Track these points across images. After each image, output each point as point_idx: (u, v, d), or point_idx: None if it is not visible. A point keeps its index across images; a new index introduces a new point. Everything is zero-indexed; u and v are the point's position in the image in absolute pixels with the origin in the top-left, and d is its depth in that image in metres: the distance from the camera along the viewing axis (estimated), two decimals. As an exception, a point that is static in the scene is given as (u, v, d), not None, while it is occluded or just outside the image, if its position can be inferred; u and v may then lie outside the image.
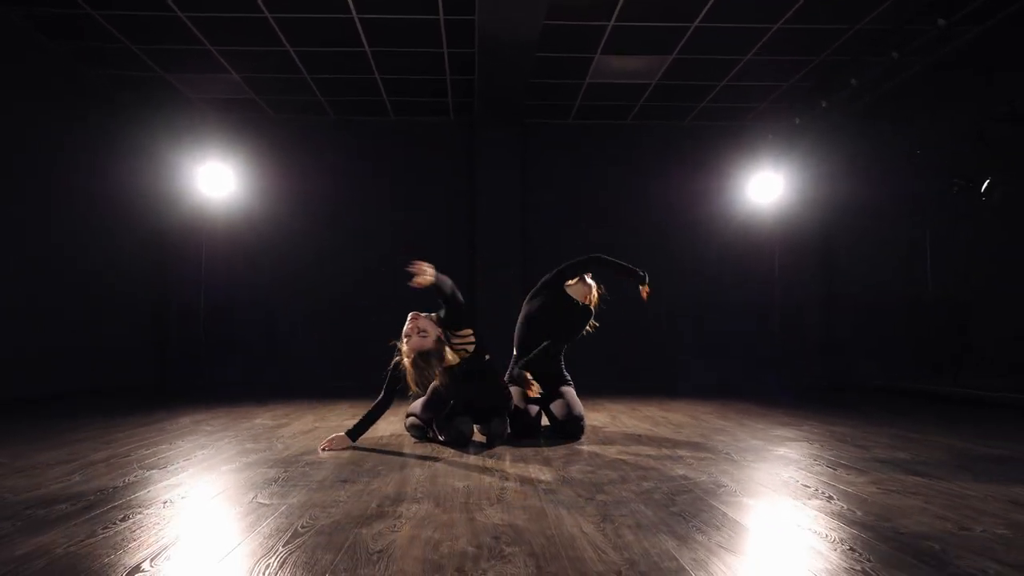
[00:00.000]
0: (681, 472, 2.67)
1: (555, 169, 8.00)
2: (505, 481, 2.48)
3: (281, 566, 1.55)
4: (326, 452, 3.13)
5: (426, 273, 3.18)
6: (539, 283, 3.99)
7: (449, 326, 3.35)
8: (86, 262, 6.39)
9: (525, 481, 2.49)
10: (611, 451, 3.19)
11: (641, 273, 3.90)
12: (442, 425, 3.40)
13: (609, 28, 5.67)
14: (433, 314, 3.38)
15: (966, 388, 5.64)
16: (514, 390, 3.79)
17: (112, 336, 6.78)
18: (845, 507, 2.10)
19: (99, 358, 6.53)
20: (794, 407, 5.25)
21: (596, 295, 3.97)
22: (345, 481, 2.47)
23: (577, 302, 3.94)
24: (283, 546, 1.69)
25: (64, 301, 6.06)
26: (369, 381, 3.67)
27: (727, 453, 3.12)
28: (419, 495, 2.25)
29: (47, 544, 1.70)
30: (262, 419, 4.40)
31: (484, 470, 2.70)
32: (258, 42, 5.91)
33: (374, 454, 3.08)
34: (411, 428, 3.58)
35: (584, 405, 3.91)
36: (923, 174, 6.11)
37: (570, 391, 3.86)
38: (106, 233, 6.67)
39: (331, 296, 7.66)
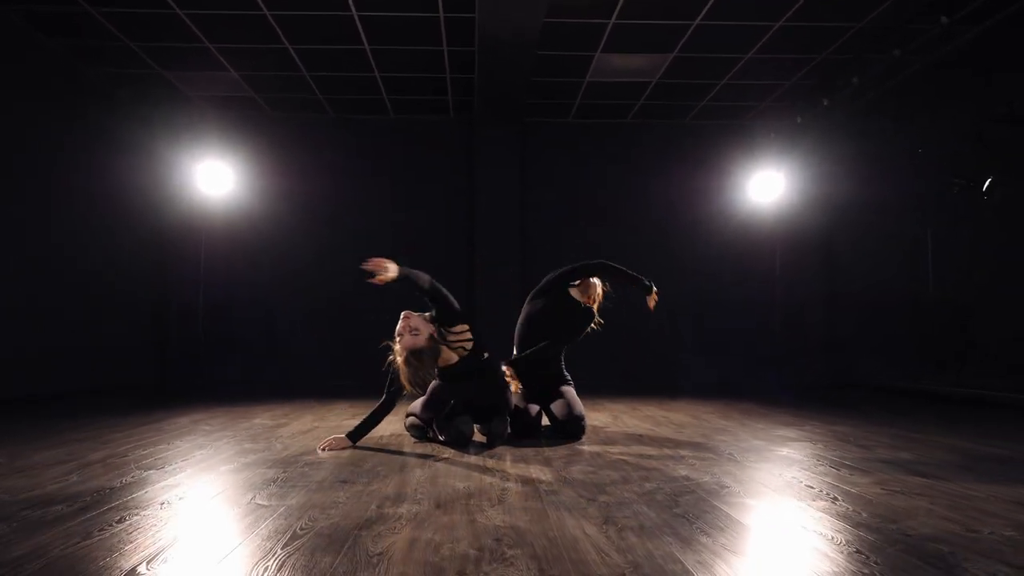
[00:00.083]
0: (683, 473, 2.65)
1: (555, 168, 7.98)
2: (506, 482, 2.46)
3: (280, 569, 1.53)
4: (325, 452, 3.11)
5: (387, 269, 3.15)
6: (542, 282, 3.94)
7: (443, 323, 3.32)
8: (86, 262, 6.36)
9: (526, 482, 2.47)
10: (613, 451, 3.17)
11: (647, 282, 3.85)
12: (442, 425, 3.38)
13: (610, 26, 5.65)
14: (427, 313, 3.35)
15: (967, 388, 5.62)
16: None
17: (112, 336, 6.76)
18: (850, 508, 2.08)
19: (99, 358, 6.50)
20: (796, 407, 5.23)
21: (600, 294, 3.94)
22: (344, 482, 2.45)
23: (579, 303, 3.90)
24: (282, 548, 1.67)
25: (64, 301, 6.04)
26: (368, 380, 3.65)
27: (730, 453, 3.10)
28: (419, 496, 2.23)
29: (43, 546, 1.68)
30: (261, 419, 4.38)
31: (485, 470, 2.68)
32: (257, 40, 5.88)
33: (374, 454, 3.06)
34: (411, 428, 3.56)
35: (584, 405, 3.89)
36: (924, 173, 6.09)
37: (570, 391, 3.83)
38: (106, 232, 6.64)
39: (330, 295, 7.63)
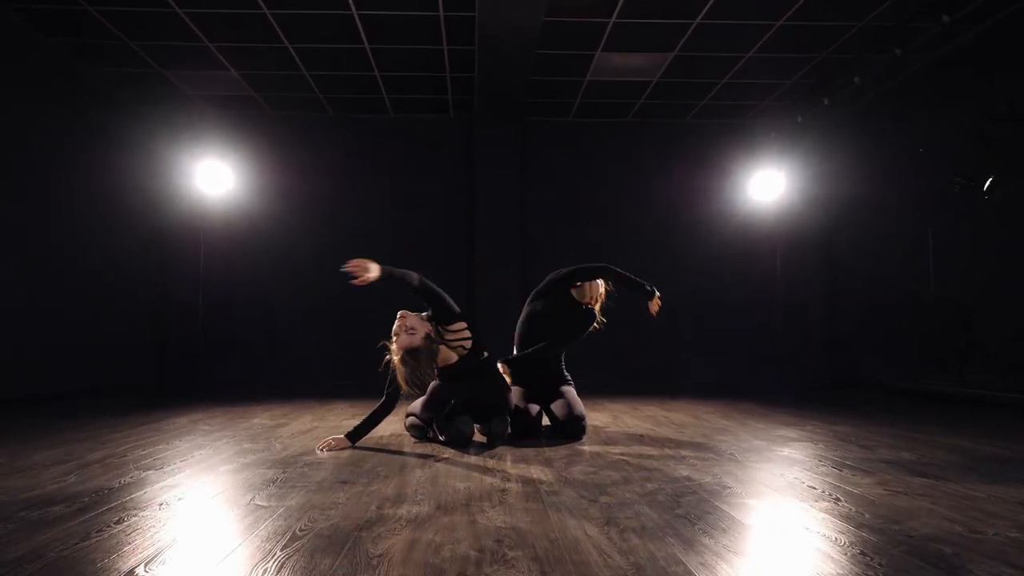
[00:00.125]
0: (685, 473, 2.64)
1: (555, 167, 7.97)
2: (507, 482, 2.45)
3: (279, 571, 1.52)
4: (324, 453, 3.09)
5: (368, 270, 3.12)
6: (543, 283, 3.91)
7: (440, 321, 3.30)
8: (86, 262, 6.35)
9: (527, 482, 2.45)
10: (613, 452, 3.16)
11: (649, 288, 3.81)
12: (442, 425, 3.37)
13: (610, 25, 5.63)
14: (424, 313, 3.34)
15: (967, 388, 5.61)
16: (515, 390, 3.76)
17: (112, 336, 6.75)
18: (853, 509, 2.07)
19: (99, 358, 6.49)
20: (796, 406, 5.22)
21: (603, 294, 3.91)
22: (344, 482, 2.44)
23: (580, 304, 3.88)
24: (281, 550, 1.66)
25: (64, 301, 6.03)
26: (368, 380, 3.64)
27: (731, 454, 3.09)
28: (420, 497, 2.22)
29: (40, 547, 1.67)
30: (260, 419, 4.37)
31: (485, 471, 2.67)
32: (257, 39, 5.87)
33: (374, 454, 3.05)
34: (411, 428, 3.55)
35: (585, 404, 3.88)
36: (925, 172, 6.08)
37: (571, 391, 3.82)
38: (106, 232, 6.63)
39: (330, 294, 7.61)
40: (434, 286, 3.30)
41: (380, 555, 1.62)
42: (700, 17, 5.50)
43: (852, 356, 7.54)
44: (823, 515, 2.00)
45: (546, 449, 3.22)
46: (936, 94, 6.15)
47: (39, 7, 5.30)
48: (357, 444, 3.27)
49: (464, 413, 3.36)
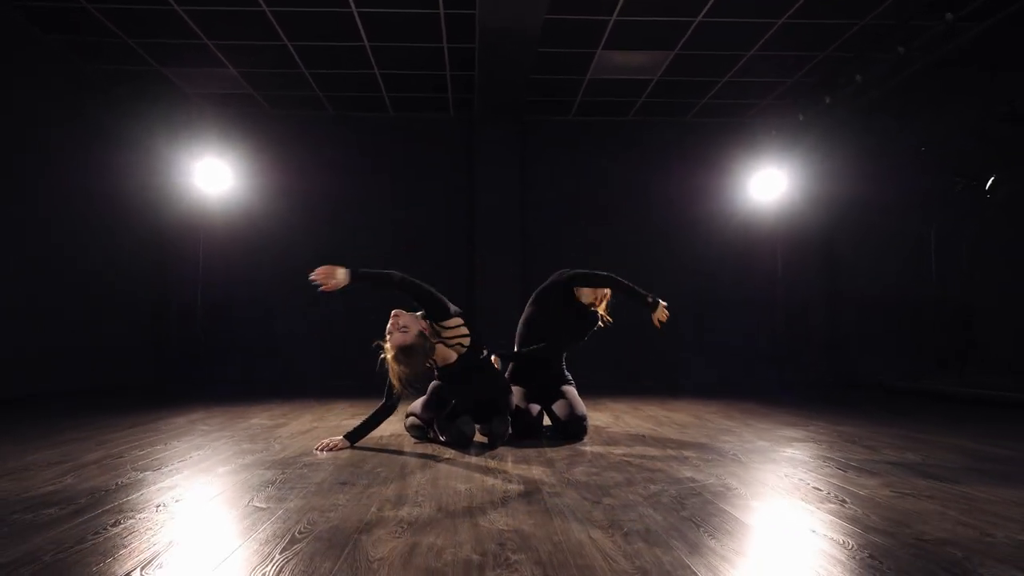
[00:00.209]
0: (688, 474, 2.61)
1: (555, 166, 7.94)
2: (508, 484, 2.42)
3: (278, 574, 1.49)
4: (323, 453, 3.06)
5: (334, 276, 3.07)
6: (546, 283, 3.85)
7: (434, 319, 3.26)
8: (86, 262, 6.33)
9: (529, 484, 2.43)
10: (615, 452, 3.13)
11: (652, 300, 3.74)
12: (443, 426, 3.34)
13: (611, 23, 5.61)
14: (419, 312, 3.30)
15: (970, 387, 5.58)
16: (515, 390, 3.73)
17: (112, 335, 6.72)
18: (860, 511, 2.04)
19: (99, 357, 6.47)
20: (798, 406, 5.19)
21: (608, 293, 3.86)
22: (344, 484, 2.41)
23: (583, 306, 3.84)
24: (280, 553, 1.63)
25: (64, 301, 6.00)
26: (368, 380, 3.60)
27: (734, 454, 3.06)
28: (420, 498, 2.19)
29: (35, 550, 1.64)
30: (259, 419, 4.34)
31: (487, 472, 2.64)
32: (256, 36, 5.84)
33: (374, 455, 3.02)
34: (411, 428, 3.52)
35: (586, 404, 3.84)
36: (928, 171, 6.06)
37: (572, 391, 3.79)
38: (105, 232, 6.61)
39: (330, 294, 7.57)
40: (418, 282, 3.20)
41: (381, 559, 1.59)
42: (701, 15, 5.48)
43: (852, 356, 7.51)
44: (830, 517, 1.97)
45: (547, 450, 3.19)
46: (938, 93, 6.13)
47: (38, 4, 5.27)
48: (356, 445, 3.24)
49: (465, 413, 3.33)
